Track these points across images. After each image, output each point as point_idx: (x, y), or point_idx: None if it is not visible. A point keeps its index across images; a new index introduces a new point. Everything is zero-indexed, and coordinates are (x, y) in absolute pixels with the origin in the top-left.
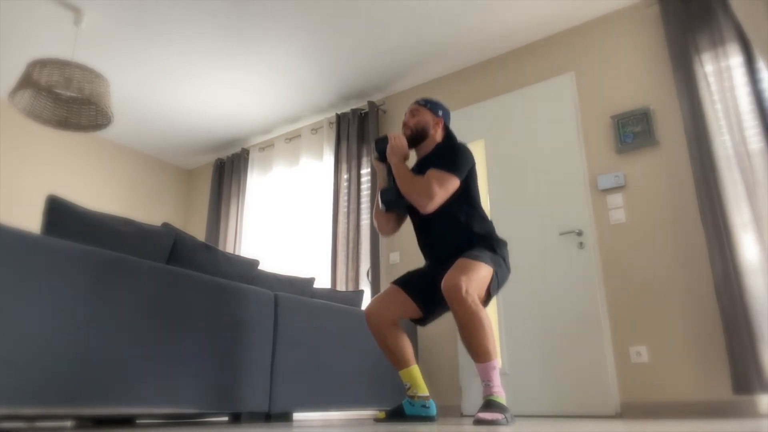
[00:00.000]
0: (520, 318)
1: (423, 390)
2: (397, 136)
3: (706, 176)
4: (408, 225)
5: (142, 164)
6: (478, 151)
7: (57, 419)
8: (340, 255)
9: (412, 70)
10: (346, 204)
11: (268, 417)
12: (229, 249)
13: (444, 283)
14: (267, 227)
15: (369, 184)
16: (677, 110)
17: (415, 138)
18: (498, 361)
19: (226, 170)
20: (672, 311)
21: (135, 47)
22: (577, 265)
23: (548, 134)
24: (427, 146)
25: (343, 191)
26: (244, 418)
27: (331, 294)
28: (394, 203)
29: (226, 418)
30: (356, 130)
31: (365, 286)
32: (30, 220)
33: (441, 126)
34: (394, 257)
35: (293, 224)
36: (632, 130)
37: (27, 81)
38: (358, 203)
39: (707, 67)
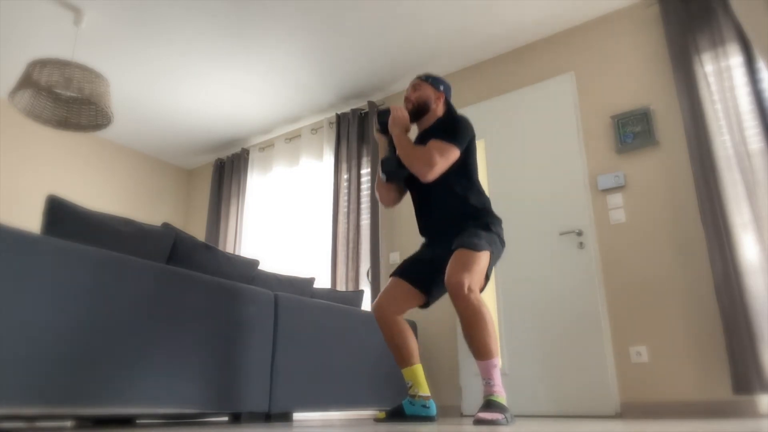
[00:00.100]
0: (520, 318)
1: (424, 390)
2: (398, 108)
3: (706, 176)
4: (408, 224)
5: (142, 164)
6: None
7: (57, 419)
8: (340, 255)
9: (412, 70)
10: (346, 204)
11: (268, 417)
12: (229, 249)
13: (447, 278)
14: (267, 227)
15: (369, 184)
16: (677, 110)
17: (417, 112)
18: (499, 360)
19: (226, 170)
20: (672, 311)
21: (135, 47)
22: (577, 265)
23: (548, 134)
24: (429, 120)
25: (343, 191)
26: (244, 418)
27: (331, 294)
28: (394, 173)
29: (226, 418)
30: (356, 130)
31: (365, 286)
32: (30, 220)
33: (442, 100)
34: (394, 257)
35: (293, 224)
36: (632, 130)
37: (27, 81)
38: (358, 203)
39: (707, 67)
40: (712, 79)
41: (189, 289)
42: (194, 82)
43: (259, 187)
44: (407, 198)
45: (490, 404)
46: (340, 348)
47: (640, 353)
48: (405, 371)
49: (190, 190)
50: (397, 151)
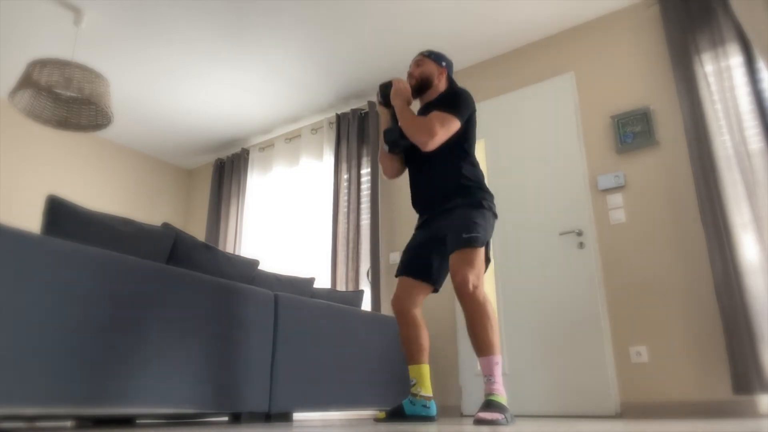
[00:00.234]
0: (520, 318)
1: (427, 390)
2: (400, 80)
3: (706, 176)
4: (408, 224)
5: (142, 164)
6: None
7: (57, 419)
8: (340, 255)
9: None
10: (346, 204)
11: (268, 417)
12: (229, 249)
13: (452, 277)
14: (267, 227)
15: (369, 184)
16: (677, 110)
17: (420, 87)
18: (500, 358)
19: (226, 170)
20: (672, 311)
21: (135, 47)
22: (577, 265)
23: (548, 134)
24: (431, 95)
25: (343, 191)
26: (244, 418)
27: (331, 294)
28: (397, 143)
29: (226, 418)
30: (356, 130)
31: (365, 286)
32: (30, 220)
33: (444, 76)
34: (394, 257)
35: (293, 224)
36: (632, 130)
37: (27, 81)
38: (358, 203)
39: (707, 67)
40: (712, 79)
41: (189, 289)
42: (194, 82)
43: (259, 187)
44: (407, 198)
45: (490, 404)
46: (340, 348)
47: (640, 353)
48: (412, 368)
49: (190, 190)
50: (399, 122)
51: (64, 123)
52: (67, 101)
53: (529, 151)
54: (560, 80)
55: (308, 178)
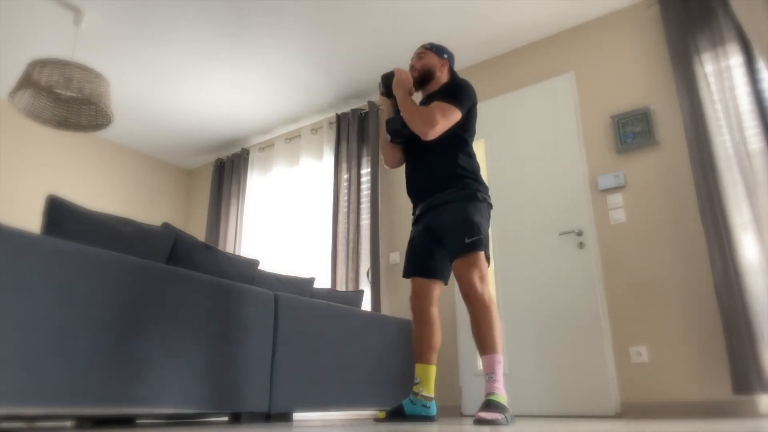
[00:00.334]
0: (520, 318)
1: (429, 391)
2: (402, 71)
3: (706, 176)
4: (408, 224)
5: (142, 164)
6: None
7: (57, 419)
8: (340, 255)
9: None
10: (346, 204)
11: (268, 417)
12: (229, 249)
13: (459, 281)
14: (267, 227)
15: (369, 184)
16: (677, 110)
17: (422, 80)
18: (502, 358)
19: (226, 170)
20: (672, 311)
21: (135, 47)
22: (577, 265)
23: (548, 134)
24: (433, 87)
25: (343, 191)
26: (244, 418)
27: (331, 294)
28: (398, 132)
29: (226, 418)
30: (356, 130)
31: (365, 286)
32: (30, 220)
33: (446, 68)
34: (394, 257)
35: (293, 224)
36: (632, 130)
37: (27, 81)
38: (358, 203)
39: (707, 67)
40: (712, 79)
41: (189, 289)
42: (194, 82)
43: (259, 187)
44: (407, 198)
45: (490, 404)
46: (340, 348)
47: (640, 353)
48: (419, 366)
49: (190, 190)
50: (400, 111)
51: (64, 123)
52: (67, 101)
53: (529, 151)
54: (560, 80)
55: (308, 178)
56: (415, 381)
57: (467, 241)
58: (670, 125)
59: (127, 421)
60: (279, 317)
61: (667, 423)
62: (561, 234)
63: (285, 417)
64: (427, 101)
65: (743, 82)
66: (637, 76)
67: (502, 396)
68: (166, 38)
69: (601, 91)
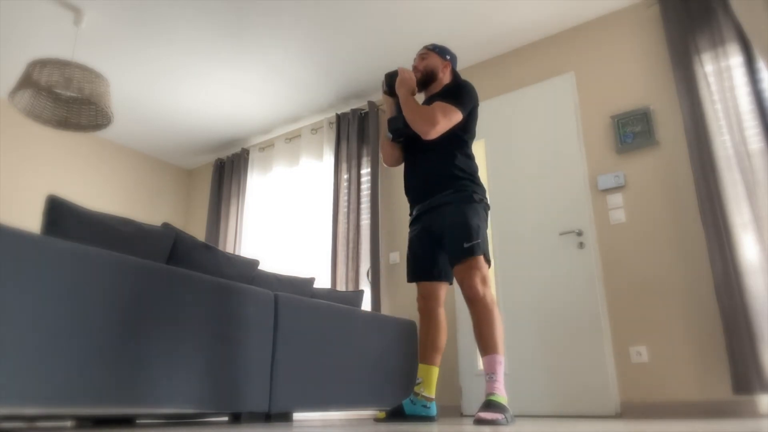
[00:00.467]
0: (520, 318)
1: (430, 391)
2: (405, 70)
3: (706, 176)
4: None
5: (142, 164)
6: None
7: (57, 419)
8: (340, 255)
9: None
10: (346, 204)
11: (268, 417)
12: (229, 249)
13: (462, 286)
14: (267, 227)
15: (369, 184)
16: (677, 110)
17: (425, 80)
18: (503, 359)
19: (226, 170)
20: (672, 311)
21: (135, 47)
22: (577, 265)
23: (548, 134)
24: (435, 88)
25: (343, 191)
26: (244, 418)
27: (331, 294)
28: (400, 131)
29: (226, 418)
30: (356, 130)
31: (365, 286)
32: (30, 220)
33: (449, 69)
34: (394, 257)
35: (293, 224)
36: (632, 130)
37: (27, 81)
38: (358, 203)
39: (707, 67)
40: (712, 79)
41: (189, 289)
42: (194, 82)
43: (259, 187)
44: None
45: (490, 404)
46: (340, 348)
47: (640, 353)
48: (422, 367)
49: (190, 190)
50: (402, 111)
51: (64, 123)
52: (67, 101)
53: (529, 151)
54: (560, 80)
55: (308, 178)
56: (417, 381)
57: (466, 245)
58: (670, 125)
59: (127, 421)
60: (279, 317)
61: (667, 423)
62: (561, 234)
63: (285, 417)
64: (429, 102)
65: (743, 82)
66: (637, 76)
67: (502, 396)
68: (166, 38)
69: (601, 91)
